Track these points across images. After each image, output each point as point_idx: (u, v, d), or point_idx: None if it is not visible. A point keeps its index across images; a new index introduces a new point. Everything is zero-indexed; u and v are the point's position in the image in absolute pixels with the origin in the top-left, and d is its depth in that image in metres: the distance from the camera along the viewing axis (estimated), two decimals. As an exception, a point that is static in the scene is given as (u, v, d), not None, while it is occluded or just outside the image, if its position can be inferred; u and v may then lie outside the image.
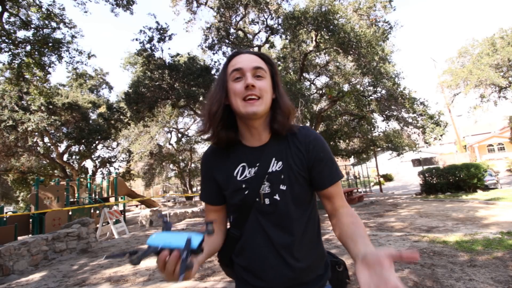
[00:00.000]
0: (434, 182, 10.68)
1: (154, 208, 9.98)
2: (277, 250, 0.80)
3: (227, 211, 0.91)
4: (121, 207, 11.31)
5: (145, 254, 0.56)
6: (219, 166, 0.88)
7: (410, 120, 11.05)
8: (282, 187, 0.80)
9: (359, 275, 0.55)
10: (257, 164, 0.83)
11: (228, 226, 0.90)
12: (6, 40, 8.53)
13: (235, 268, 0.89)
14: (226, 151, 0.87)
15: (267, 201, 0.81)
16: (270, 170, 0.82)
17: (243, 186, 0.82)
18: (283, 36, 10.57)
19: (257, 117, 0.80)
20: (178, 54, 10.92)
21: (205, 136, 0.87)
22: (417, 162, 15.65)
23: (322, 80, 14.65)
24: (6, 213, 9.68)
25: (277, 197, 0.80)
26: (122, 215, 9.96)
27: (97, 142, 16.77)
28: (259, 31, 11.55)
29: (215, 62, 13.10)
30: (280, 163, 0.82)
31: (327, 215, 0.88)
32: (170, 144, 19.71)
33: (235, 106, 0.80)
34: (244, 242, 0.84)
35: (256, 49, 11.79)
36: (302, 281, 0.82)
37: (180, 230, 0.71)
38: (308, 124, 10.15)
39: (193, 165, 21.09)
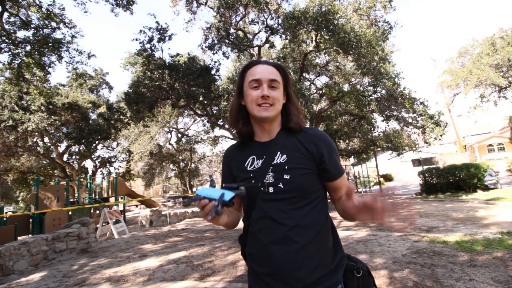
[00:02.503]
0: (434, 182, 10.69)
1: (154, 208, 9.98)
2: (279, 234, 0.85)
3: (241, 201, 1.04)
4: (121, 207, 11.30)
5: (192, 199, 0.80)
6: (234, 159, 1.03)
7: (410, 120, 11.06)
8: (286, 177, 0.89)
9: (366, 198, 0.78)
10: (264, 157, 0.95)
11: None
12: (6, 40, 8.53)
13: (247, 258, 0.98)
14: (242, 147, 1.03)
15: (271, 189, 0.90)
16: (274, 162, 0.92)
17: (251, 175, 0.94)
18: (283, 36, 10.57)
19: (268, 121, 0.95)
20: (178, 54, 10.91)
21: (233, 131, 1.05)
22: (417, 162, 15.64)
23: (322, 80, 14.67)
24: (6, 213, 9.68)
25: (280, 185, 0.89)
26: (122, 215, 9.96)
27: (97, 142, 16.77)
28: (259, 31, 11.55)
29: (215, 62, 13.10)
30: (284, 156, 0.93)
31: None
32: (170, 144, 19.71)
33: (251, 110, 0.95)
34: (251, 230, 0.95)
35: (256, 49, 11.80)
36: (305, 270, 0.83)
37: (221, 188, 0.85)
38: (308, 124, 10.15)
39: (193, 165, 21.10)
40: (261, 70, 0.95)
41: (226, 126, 13.37)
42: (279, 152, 0.93)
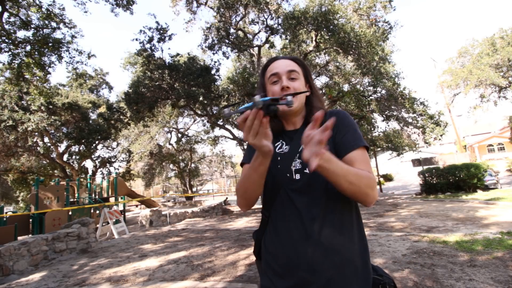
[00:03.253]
0: (434, 182, 10.68)
1: (154, 208, 9.98)
2: (303, 223, 0.80)
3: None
4: (121, 207, 11.31)
5: (233, 112, 0.75)
6: None
7: (410, 120, 11.06)
8: None
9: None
10: (290, 143, 0.93)
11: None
12: (6, 40, 8.53)
13: (263, 256, 0.92)
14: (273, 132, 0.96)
15: (297, 176, 0.87)
16: (300, 149, 0.90)
17: (279, 158, 0.92)
18: (283, 36, 10.57)
19: (291, 113, 0.94)
20: (178, 54, 10.91)
21: None
22: (417, 162, 15.65)
23: (322, 80, 14.67)
24: (6, 213, 9.68)
25: (307, 170, 0.85)
26: (122, 215, 9.96)
27: (97, 142, 16.76)
28: (259, 31, 11.56)
29: (215, 62, 13.10)
30: None
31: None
32: (170, 144, 19.71)
33: None
34: (271, 223, 0.90)
35: (256, 49, 11.80)
36: (323, 267, 0.77)
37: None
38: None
39: (193, 165, 21.09)
40: (278, 65, 0.95)
41: (226, 126, 13.38)
42: None
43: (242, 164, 0.99)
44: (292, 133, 0.96)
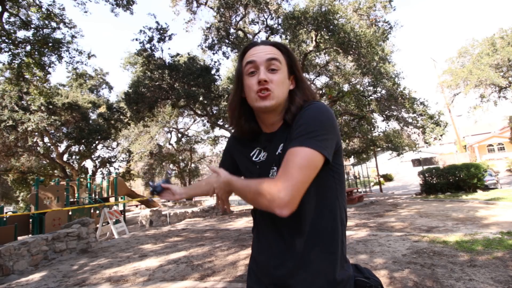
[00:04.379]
0: (434, 182, 10.68)
1: (154, 208, 9.97)
2: (281, 236, 0.80)
3: None
4: (121, 207, 11.30)
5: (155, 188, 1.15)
6: (238, 148, 0.96)
7: (410, 120, 11.07)
8: None
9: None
10: (269, 149, 0.86)
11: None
12: (6, 40, 8.53)
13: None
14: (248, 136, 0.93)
15: None
16: (276, 153, 0.83)
17: (257, 167, 0.87)
18: (283, 36, 10.57)
19: (269, 110, 0.81)
20: (178, 54, 10.92)
21: (233, 130, 0.94)
22: (417, 162, 15.64)
23: (322, 80, 14.68)
24: (6, 213, 9.67)
25: None
26: (122, 215, 9.96)
27: (97, 142, 16.77)
28: (259, 31, 11.56)
29: (215, 62, 13.11)
30: (281, 146, 0.82)
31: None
32: (170, 144, 19.72)
33: (250, 100, 0.82)
34: (257, 227, 0.91)
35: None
36: (301, 278, 0.75)
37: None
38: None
39: (193, 165, 21.10)
40: (256, 51, 0.81)
41: (226, 126, 13.39)
42: (281, 145, 0.82)
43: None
44: (269, 136, 0.86)
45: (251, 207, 0.88)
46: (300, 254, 0.76)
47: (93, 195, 12.10)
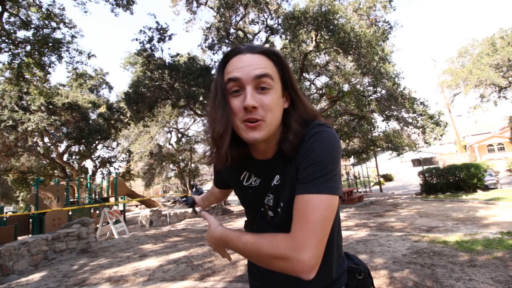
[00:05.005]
0: (434, 182, 10.68)
1: (154, 208, 9.98)
2: None
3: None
4: (121, 207, 11.31)
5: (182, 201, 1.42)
6: (227, 170, 0.86)
7: (410, 120, 11.06)
8: (281, 203, 0.72)
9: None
10: (262, 176, 0.76)
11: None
12: (6, 40, 8.53)
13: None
14: None
15: (270, 213, 0.76)
16: (272, 184, 0.74)
17: (249, 191, 0.79)
18: (283, 36, 10.58)
19: (260, 142, 0.65)
20: (178, 54, 10.92)
21: (212, 161, 0.71)
22: (417, 162, 15.64)
23: (322, 80, 14.67)
24: (6, 213, 9.68)
25: (279, 210, 0.73)
26: (122, 215, 9.96)
27: (97, 142, 16.76)
28: (259, 31, 11.56)
29: (215, 62, 13.10)
30: (278, 176, 0.72)
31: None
32: (170, 144, 19.71)
33: (235, 127, 0.65)
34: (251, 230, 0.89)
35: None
36: (301, 283, 0.75)
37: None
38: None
39: (193, 165, 21.08)
40: (241, 64, 0.63)
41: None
42: (278, 176, 0.72)
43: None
44: (262, 164, 0.75)
45: None
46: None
47: (93, 195, 12.10)
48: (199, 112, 12.76)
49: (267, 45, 11.53)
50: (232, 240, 0.67)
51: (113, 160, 19.03)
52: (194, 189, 1.40)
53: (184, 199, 1.35)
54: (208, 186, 30.33)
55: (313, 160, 0.61)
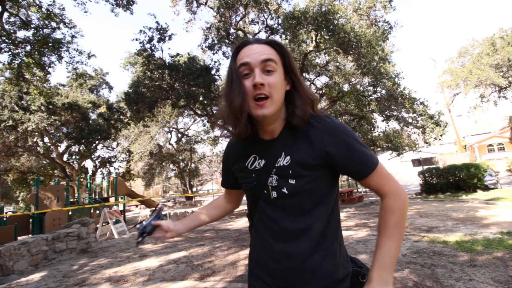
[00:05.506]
0: (434, 182, 10.68)
1: (154, 208, 9.97)
2: (280, 240, 0.81)
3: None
4: (121, 207, 11.30)
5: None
6: (235, 157, 0.92)
7: (410, 120, 11.06)
8: (291, 181, 0.78)
9: None
10: (266, 157, 0.83)
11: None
12: (6, 40, 8.52)
13: (249, 257, 0.95)
14: (243, 143, 0.89)
15: (274, 194, 0.81)
16: (278, 164, 0.80)
17: (253, 175, 0.85)
18: (283, 36, 10.57)
19: (267, 118, 0.78)
20: (178, 54, 10.91)
21: (228, 133, 0.85)
22: (417, 162, 15.65)
23: (322, 80, 14.67)
24: (6, 213, 9.68)
25: (285, 190, 0.79)
26: (122, 215, 9.95)
27: (97, 142, 16.75)
28: (259, 31, 11.55)
29: (215, 62, 13.10)
30: (288, 157, 0.79)
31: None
32: (170, 144, 19.71)
33: (248, 106, 0.77)
34: (254, 230, 0.91)
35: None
36: (306, 278, 0.78)
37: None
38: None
39: (193, 165, 21.09)
40: (250, 52, 0.77)
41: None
42: (283, 153, 0.80)
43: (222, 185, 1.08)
44: (267, 144, 0.83)
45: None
46: (304, 258, 0.79)
47: (93, 195, 12.10)
48: (199, 112, 12.76)
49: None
50: (389, 267, 0.76)
51: (113, 160, 19.02)
52: (155, 213, 0.99)
53: (139, 225, 0.95)
54: (207, 186, 30.34)
55: (350, 147, 0.77)
